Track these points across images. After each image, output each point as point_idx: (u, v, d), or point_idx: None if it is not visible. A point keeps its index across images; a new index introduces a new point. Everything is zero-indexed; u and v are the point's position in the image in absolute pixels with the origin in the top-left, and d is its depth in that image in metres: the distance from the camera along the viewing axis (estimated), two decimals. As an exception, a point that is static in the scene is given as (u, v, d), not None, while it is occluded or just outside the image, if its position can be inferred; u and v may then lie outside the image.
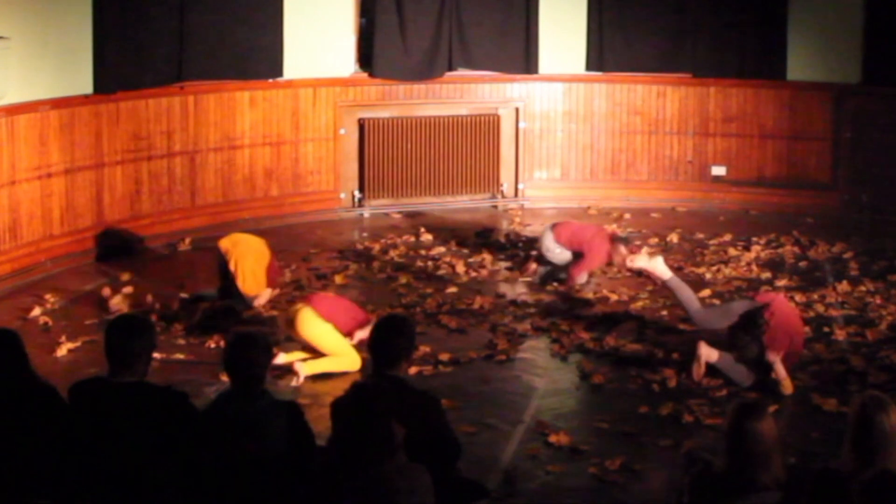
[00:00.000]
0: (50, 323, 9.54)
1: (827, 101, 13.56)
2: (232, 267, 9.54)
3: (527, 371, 8.70)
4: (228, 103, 12.64)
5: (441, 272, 11.03)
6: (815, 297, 10.22)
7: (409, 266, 11.22)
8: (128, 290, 10.09)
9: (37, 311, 9.78)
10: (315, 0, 13.02)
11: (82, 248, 11.19)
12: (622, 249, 10.22)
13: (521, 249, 11.64)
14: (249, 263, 9.59)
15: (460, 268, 11.11)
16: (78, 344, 9.02)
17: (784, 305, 8.34)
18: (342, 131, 13.35)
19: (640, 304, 10.10)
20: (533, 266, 10.82)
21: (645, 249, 10.46)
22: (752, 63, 13.68)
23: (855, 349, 9.01)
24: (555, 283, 10.56)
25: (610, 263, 10.58)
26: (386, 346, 5.68)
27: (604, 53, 13.95)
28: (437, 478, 4.85)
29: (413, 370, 8.18)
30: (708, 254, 11.71)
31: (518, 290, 10.49)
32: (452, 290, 10.49)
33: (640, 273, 9.52)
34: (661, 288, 9.25)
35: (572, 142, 14.14)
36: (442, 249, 11.80)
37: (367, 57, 13.49)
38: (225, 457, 5.20)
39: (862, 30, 13.26)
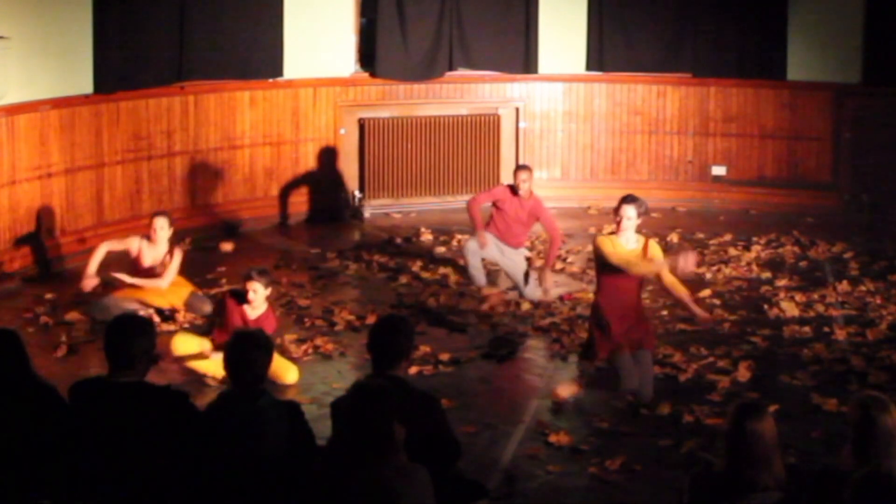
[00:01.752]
0: (50, 323, 9.54)
1: (827, 101, 13.57)
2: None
3: (527, 371, 8.70)
4: (228, 103, 12.65)
5: (441, 272, 11.03)
6: (815, 297, 10.23)
7: (409, 266, 11.21)
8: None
9: (37, 311, 9.78)
10: (315, 0, 13.03)
11: (83, 248, 11.17)
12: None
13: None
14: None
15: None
16: (78, 344, 9.03)
17: None
18: (342, 131, 13.36)
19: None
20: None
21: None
22: (752, 63, 13.69)
23: (855, 349, 9.00)
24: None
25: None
26: (386, 346, 5.67)
27: (604, 53, 13.96)
28: (437, 478, 4.85)
29: (413, 370, 8.18)
30: (708, 254, 11.71)
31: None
32: (453, 289, 10.49)
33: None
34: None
35: (572, 142, 14.15)
36: (442, 249, 11.80)
37: (367, 57, 13.51)
38: (225, 456, 5.21)
39: (862, 30, 13.26)
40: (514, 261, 10.25)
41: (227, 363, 5.45)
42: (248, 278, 8.35)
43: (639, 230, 8.00)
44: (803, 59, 13.54)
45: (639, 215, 7.85)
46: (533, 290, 10.19)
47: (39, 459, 5.36)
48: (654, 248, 7.99)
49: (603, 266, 7.87)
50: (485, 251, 10.15)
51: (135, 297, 9.46)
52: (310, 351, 8.98)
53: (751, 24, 13.66)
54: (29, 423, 5.40)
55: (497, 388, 8.34)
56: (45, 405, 5.47)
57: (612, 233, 7.95)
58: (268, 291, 8.40)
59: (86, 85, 11.24)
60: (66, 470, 5.29)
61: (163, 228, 9.54)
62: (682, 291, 8.02)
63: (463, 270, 10.55)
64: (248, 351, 5.38)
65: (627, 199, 7.88)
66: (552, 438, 7.40)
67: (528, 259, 10.53)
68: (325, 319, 9.67)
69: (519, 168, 10.49)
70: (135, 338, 5.33)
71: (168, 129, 12.14)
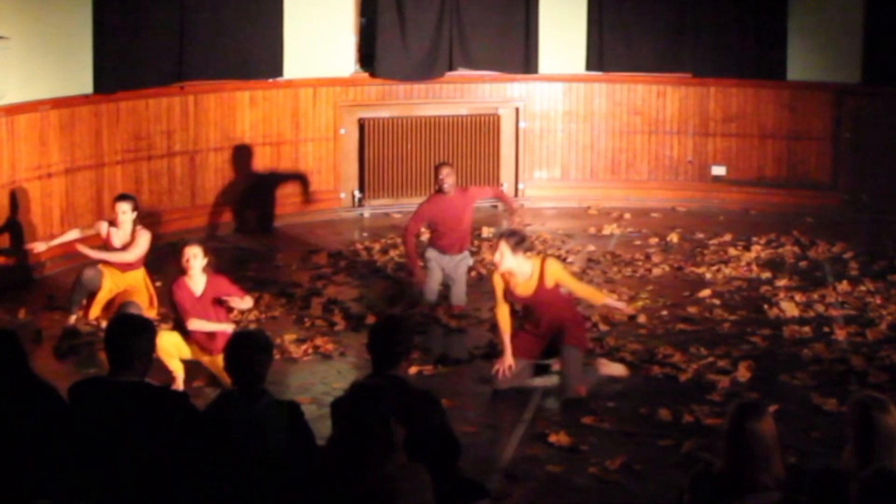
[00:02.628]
0: (49, 322, 9.53)
1: (827, 101, 13.57)
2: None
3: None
4: (228, 103, 12.65)
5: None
6: (815, 297, 10.22)
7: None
8: None
9: (36, 311, 9.78)
10: (315, 0, 13.03)
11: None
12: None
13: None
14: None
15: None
16: (78, 344, 9.02)
17: None
18: (342, 131, 13.36)
19: (640, 303, 10.09)
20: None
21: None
22: (752, 63, 13.68)
23: (855, 349, 9.00)
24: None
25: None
26: (385, 345, 5.68)
27: (604, 53, 13.96)
28: (437, 478, 4.85)
29: (413, 370, 8.17)
30: (708, 254, 11.71)
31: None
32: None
33: None
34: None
35: (572, 142, 14.15)
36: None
37: (367, 57, 13.51)
38: (225, 457, 5.21)
39: (862, 30, 13.26)
40: (457, 264, 10.06)
41: (228, 363, 5.46)
42: (183, 245, 8.35)
43: (539, 254, 8.38)
44: (803, 59, 13.53)
45: (514, 251, 7.95)
46: (460, 297, 10.04)
47: (39, 459, 5.36)
48: (552, 268, 8.07)
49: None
50: (434, 276, 10.03)
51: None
52: (310, 351, 8.98)
53: (751, 24, 13.65)
54: (29, 423, 5.40)
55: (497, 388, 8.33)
56: (44, 405, 5.47)
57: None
58: (206, 260, 8.30)
59: (86, 85, 11.24)
60: (66, 470, 5.29)
61: (125, 213, 9.32)
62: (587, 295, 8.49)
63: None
64: (249, 351, 5.38)
65: (501, 235, 8.14)
66: (552, 438, 7.40)
67: (471, 268, 10.46)
68: (325, 319, 9.67)
69: (437, 167, 10.24)
70: (134, 338, 5.34)
71: (168, 129, 12.14)
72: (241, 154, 12.78)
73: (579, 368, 8.06)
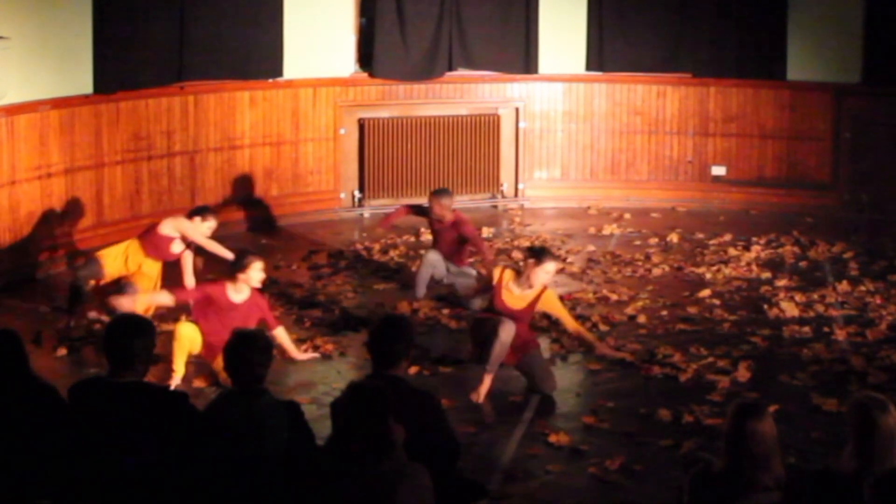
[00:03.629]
0: (50, 323, 9.52)
1: (827, 101, 13.57)
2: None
3: (527, 371, 8.70)
4: (228, 103, 12.65)
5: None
6: (815, 297, 10.22)
7: (409, 266, 11.21)
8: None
9: (39, 311, 9.77)
10: (315, 0, 13.03)
11: (82, 248, 11.18)
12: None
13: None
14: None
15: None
16: (78, 344, 9.02)
17: None
18: (342, 131, 13.36)
19: (640, 303, 10.10)
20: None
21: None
22: (752, 63, 13.68)
23: (855, 349, 9.00)
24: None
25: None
26: (385, 345, 5.69)
27: (604, 53, 13.96)
28: (437, 478, 4.85)
29: (413, 370, 8.17)
30: (708, 254, 11.71)
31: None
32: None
33: None
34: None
35: (572, 142, 14.15)
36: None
37: (367, 57, 13.51)
38: (225, 456, 5.21)
39: (862, 30, 13.26)
40: (457, 280, 10.20)
41: (227, 364, 5.46)
42: (251, 256, 8.44)
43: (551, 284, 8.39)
44: (803, 59, 13.53)
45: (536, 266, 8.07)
46: (466, 289, 10.12)
47: (39, 459, 5.36)
48: (548, 297, 8.23)
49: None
50: (437, 268, 10.17)
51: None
52: (310, 351, 8.97)
53: (751, 24, 13.66)
54: (29, 424, 5.40)
55: (497, 388, 8.33)
56: (44, 405, 5.47)
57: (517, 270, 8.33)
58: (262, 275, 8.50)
59: (86, 85, 11.24)
60: (66, 470, 5.30)
61: (213, 228, 9.56)
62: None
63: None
64: (248, 352, 5.39)
65: (543, 255, 8.18)
66: (552, 438, 7.40)
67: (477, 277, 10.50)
68: (324, 319, 9.67)
69: (432, 194, 10.58)
70: (134, 338, 5.34)
71: (168, 129, 12.14)
72: (241, 154, 12.79)
73: (548, 366, 8.36)
